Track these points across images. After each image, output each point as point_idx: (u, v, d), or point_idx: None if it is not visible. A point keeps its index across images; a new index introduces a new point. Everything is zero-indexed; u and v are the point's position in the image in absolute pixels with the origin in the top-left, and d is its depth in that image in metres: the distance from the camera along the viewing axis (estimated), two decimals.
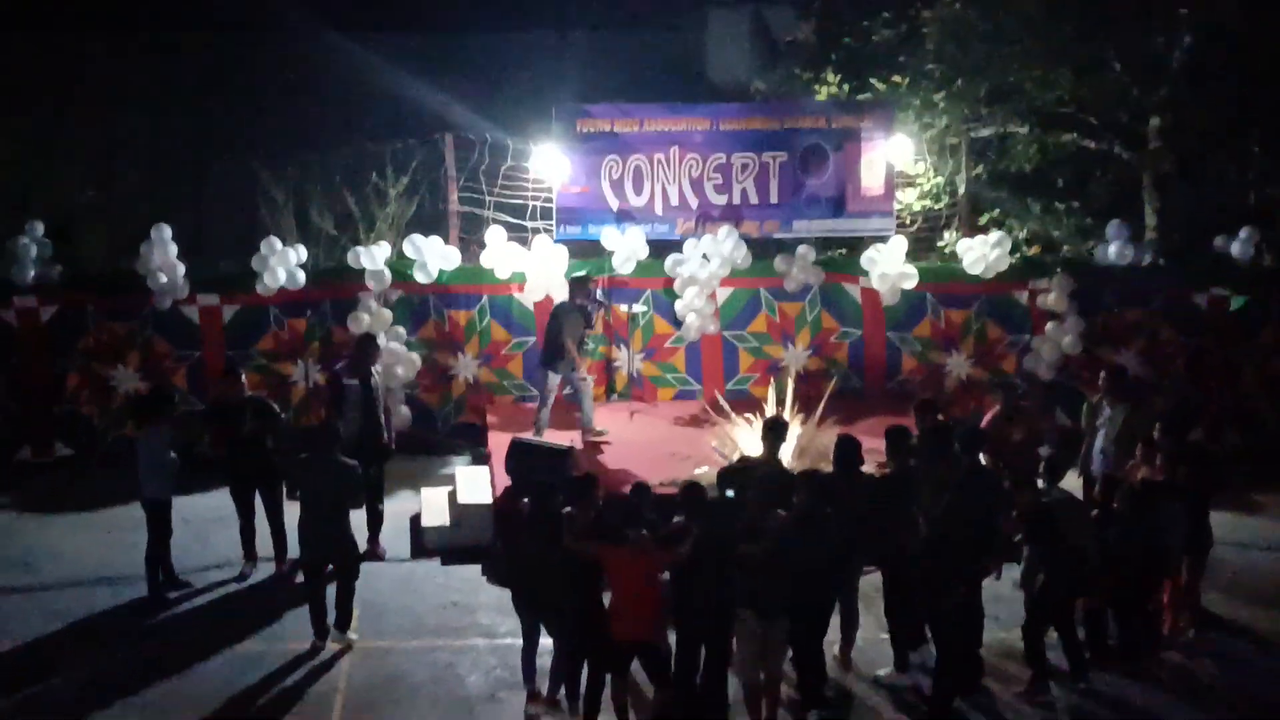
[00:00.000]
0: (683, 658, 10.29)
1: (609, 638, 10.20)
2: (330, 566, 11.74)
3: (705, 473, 12.68)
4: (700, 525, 10.16)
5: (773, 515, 10.32)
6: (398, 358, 16.10)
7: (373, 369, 13.85)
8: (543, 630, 10.71)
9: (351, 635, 11.82)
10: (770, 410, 14.23)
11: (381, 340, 15.86)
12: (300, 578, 12.39)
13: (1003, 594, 11.77)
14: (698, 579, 10.08)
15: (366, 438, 13.34)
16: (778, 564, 10.07)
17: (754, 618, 10.17)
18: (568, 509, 10.48)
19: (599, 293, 16.08)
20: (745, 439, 13.93)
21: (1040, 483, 11.22)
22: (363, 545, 12.56)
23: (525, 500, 11.01)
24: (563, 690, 10.63)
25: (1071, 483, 13.46)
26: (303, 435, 12.93)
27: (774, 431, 11.87)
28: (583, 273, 15.85)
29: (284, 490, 12.93)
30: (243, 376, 13.81)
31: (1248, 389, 16.60)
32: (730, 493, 10.52)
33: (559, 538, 10.24)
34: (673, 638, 10.32)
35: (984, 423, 13.30)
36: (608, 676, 10.36)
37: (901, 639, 11.30)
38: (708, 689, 10.32)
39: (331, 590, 11.79)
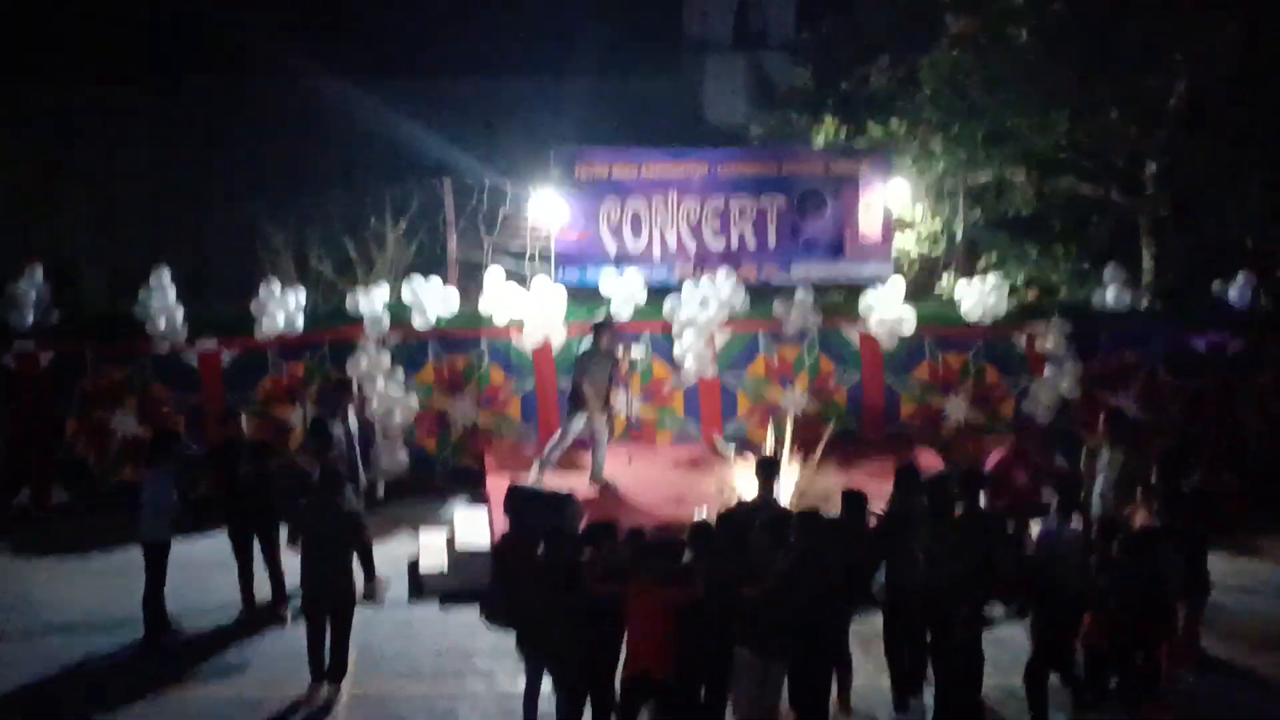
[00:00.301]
0: (682, 695, 10.26)
1: (612, 679, 10.20)
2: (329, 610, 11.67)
3: (703, 514, 12.68)
4: (707, 564, 10.19)
5: (775, 556, 10.33)
6: (396, 401, 16.09)
7: (349, 413, 13.94)
8: (545, 674, 10.66)
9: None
10: (769, 454, 14.20)
11: (380, 384, 15.90)
12: (295, 614, 12.40)
13: (1004, 639, 11.73)
14: (700, 617, 10.08)
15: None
16: (778, 603, 10.08)
17: (753, 656, 10.16)
18: (586, 554, 10.50)
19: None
20: (743, 481, 13.92)
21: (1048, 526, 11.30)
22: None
23: (540, 550, 10.91)
24: None
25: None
26: (302, 479, 12.88)
27: (765, 471, 11.89)
28: (602, 317, 15.82)
29: (282, 533, 12.89)
30: (242, 420, 13.83)
31: (1246, 431, 16.61)
32: (729, 534, 10.54)
33: (571, 582, 10.24)
34: None
35: (990, 465, 13.34)
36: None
37: (900, 680, 11.28)
38: None
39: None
